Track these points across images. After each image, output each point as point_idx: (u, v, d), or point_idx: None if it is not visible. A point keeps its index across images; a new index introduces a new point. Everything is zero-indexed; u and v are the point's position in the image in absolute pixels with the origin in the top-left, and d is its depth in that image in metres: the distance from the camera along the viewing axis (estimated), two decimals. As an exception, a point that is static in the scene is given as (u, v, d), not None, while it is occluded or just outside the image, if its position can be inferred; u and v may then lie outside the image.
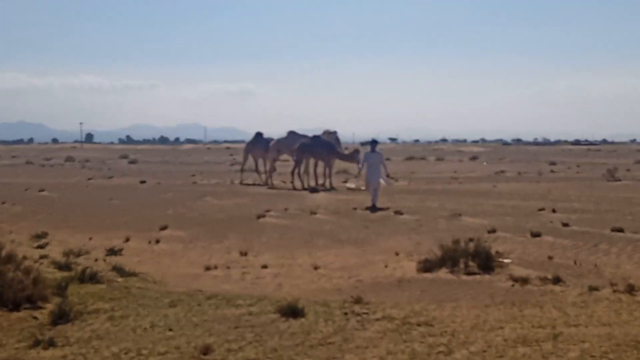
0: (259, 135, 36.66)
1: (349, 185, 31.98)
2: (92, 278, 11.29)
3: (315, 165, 32.01)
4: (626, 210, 20.74)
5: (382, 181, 22.88)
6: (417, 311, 9.38)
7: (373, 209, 21.48)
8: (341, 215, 20.47)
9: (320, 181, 31.65)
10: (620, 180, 35.89)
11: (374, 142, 24.31)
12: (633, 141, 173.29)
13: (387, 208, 21.44)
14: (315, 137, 32.10)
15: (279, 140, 34.60)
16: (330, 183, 31.32)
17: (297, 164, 31.34)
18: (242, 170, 37.39)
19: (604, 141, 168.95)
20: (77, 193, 29.35)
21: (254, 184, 34.30)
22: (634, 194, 26.84)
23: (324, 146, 30.87)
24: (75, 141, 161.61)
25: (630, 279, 11.04)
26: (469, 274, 12.16)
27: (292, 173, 31.96)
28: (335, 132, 34.53)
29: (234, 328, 8.50)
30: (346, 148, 37.58)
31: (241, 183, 35.25)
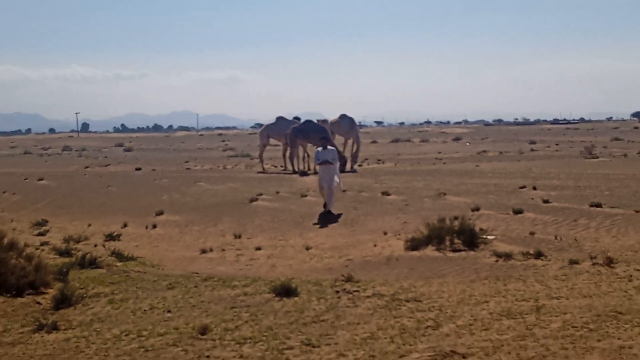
0: (280, 119, 34.15)
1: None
2: (92, 263, 11.30)
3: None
4: (604, 186, 20.81)
5: (337, 180, 18.06)
6: (405, 288, 9.43)
7: (328, 213, 17.46)
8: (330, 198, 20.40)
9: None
10: (597, 157, 36.07)
11: (324, 139, 19.49)
12: (609, 119, 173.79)
13: (340, 214, 17.35)
14: (308, 122, 31.93)
15: (268, 126, 34.54)
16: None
17: (291, 147, 31.21)
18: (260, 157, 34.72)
19: (582, 120, 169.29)
20: (75, 181, 29.23)
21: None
22: (611, 170, 26.92)
23: (317, 131, 30.51)
24: (72, 131, 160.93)
25: (608, 252, 11.10)
26: (454, 250, 12.21)
27: (286, 157, 31.89)
28: (344, 116, 34.40)
29: (230, 308, 8.52)
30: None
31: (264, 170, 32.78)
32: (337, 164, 18.79)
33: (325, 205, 17.74)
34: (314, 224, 16.19)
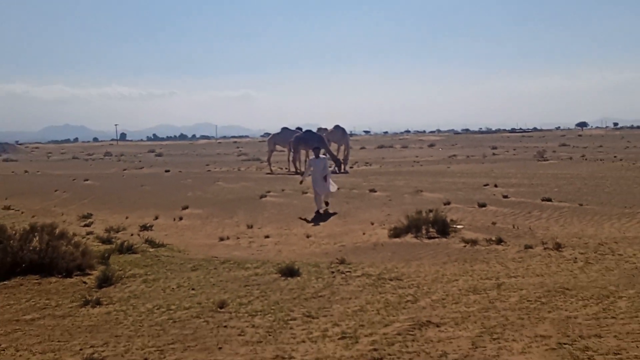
0: (285, 129, 33.52)
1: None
2: (129, 249, 11.30)
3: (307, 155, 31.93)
4: (553, 184, 20.83)
5: (329, 186, 17.00)
6: (389, 269, 9.43)
7: (326, 207, 16.79)
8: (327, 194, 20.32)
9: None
10: (547, 160, 36.08)
11: (317, 148, 18.33)
12: (558, 128, 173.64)
13: (335, 213, 16.30)
14: (308, 131, 31.87)
15: (275, 135, 34.47)
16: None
17: (294, 153, 31.20)
18: (268, 161, 34.19)
19: (535, 129, 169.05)
20: (114, 181, 29.17)
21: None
22: (559, 170, 26.95)
23: (315, 139, 30.44)
24: (112, 139, 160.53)
25: (557, 238, 11.13)
26: (429, 238, 12.21)
27: (291, 161, 31.85)
28: (338, 126, 34.18)
29: (244, 286, 8.53)
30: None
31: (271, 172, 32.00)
32: (329, 170, 17.59)
33: (317, 212, 16.48)
34: (311, 220, 16.14)
